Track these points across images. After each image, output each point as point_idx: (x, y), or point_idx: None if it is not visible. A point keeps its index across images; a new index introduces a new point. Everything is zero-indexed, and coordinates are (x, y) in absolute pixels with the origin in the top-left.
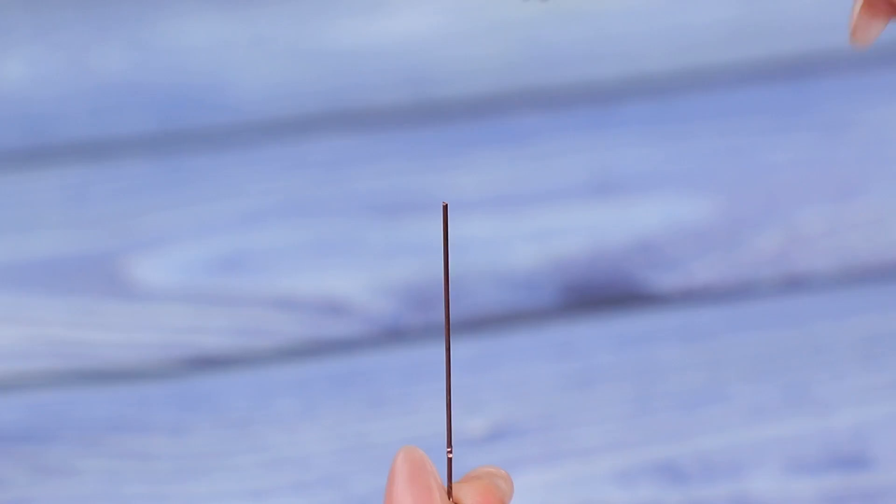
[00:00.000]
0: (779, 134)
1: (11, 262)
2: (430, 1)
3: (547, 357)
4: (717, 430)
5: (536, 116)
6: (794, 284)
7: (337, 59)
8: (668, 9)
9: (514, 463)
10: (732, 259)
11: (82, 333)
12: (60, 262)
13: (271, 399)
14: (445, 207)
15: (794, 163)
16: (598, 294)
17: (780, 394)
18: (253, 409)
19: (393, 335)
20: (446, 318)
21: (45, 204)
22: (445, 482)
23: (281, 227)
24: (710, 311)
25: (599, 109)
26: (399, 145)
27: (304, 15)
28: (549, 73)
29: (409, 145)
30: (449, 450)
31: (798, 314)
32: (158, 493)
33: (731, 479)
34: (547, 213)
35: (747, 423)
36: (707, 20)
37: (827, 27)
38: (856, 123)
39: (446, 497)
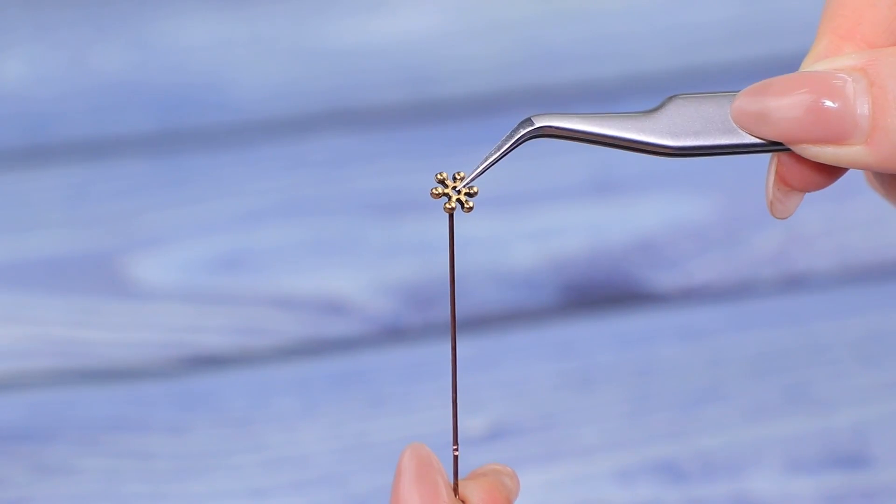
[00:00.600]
0: None
1: (11, 261)
2: (430, 0)
3: (546, 356)
4: (716, 430)
5: None
6: (794, 284)
7: (336, 59)
8: (667, 8)
9: (513, 462)
10: (732, 258)
11: (82, 333)
12: (60, 261)
13: (271, 398)
14: (451, 215)
15: None
16: (598, 293)
17: (780, 393)
18: (252, 408)
19: (392, 334)
20: (452, 321)
21: (44, 203)
22: (451, 480)
23: (280, 226)
24: (709, 311)
25: (599, 108)
26: (399, 144)
27: (304, 14)
28: (548, 72)
29: (409, 144)
30: (455, 447)
31: (797, 313)
32: (158, 492)
33: (731, 478)
34: (547, 213)
35: (747, 422)
36: (707, 19)
37: None
38: None
39: (453, 494)
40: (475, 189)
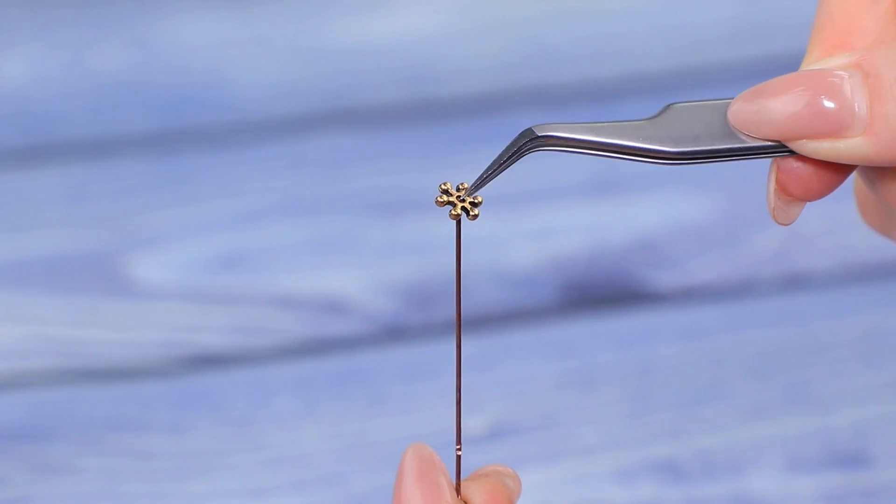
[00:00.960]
0: None
1: (11, 260)
2: (430, 0)
3: (547, 356)
4: (716, 429)
5: (537, 115)
6: (794, 283)
7: (337, 58)
8: (668, 7)
9: (514, 461)
10: (732, 258)
11: (82, 332)
12: (60, 260)
13: (271, 398)
14: (458, 221)
15: None
16: (598, 293)
17: (780, 392)
18: (253, 407)
19: (393, 334)
20: (458, 321)
21: (45, 202)
22: (454, 479)
23: (281, 225)
24: (709, 310)
25: (600, 108)
26: (399, 144)
27: (304, 14)
28: (549, 71)
29: (409, 144)
30: (458, 447)
31: (798, 313)
32: (158, 491)
33: (731, 477)
34: (547, 212)
35: (747, 421)
36: (707, 19)
37: None
38: None
39: (455, 494)
40: (479, 199)
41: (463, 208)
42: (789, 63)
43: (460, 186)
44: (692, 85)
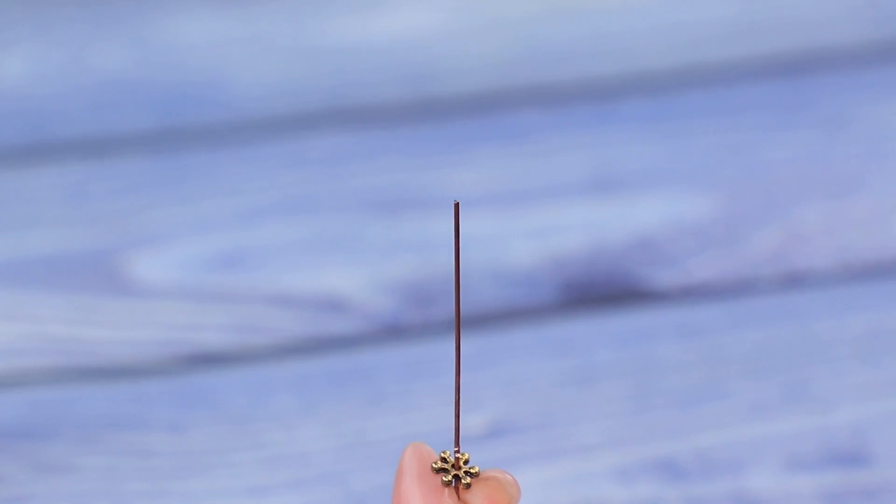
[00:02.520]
0: (778, 131)
1: (11, 259)
2: None
3: (546, 354)
4: (716, 427)
5: (536, 113)
6: (793, 281)
7: (336, 57)
8: (667, 6)
9: (513, 460)
10: (732, 256)
11: (81, 330)
12: (60, 259)
13: (270, 396)
14: (457, 206)
15: (793, 160)
16: (598, 291)
17: (780, 391)
18: (252, 406)
19: (392, 332)
20: (457, 318)
21: (44, 201)
22: None
23: (280, 224)
24: (709, 309)
25: (599, 106)
26: (399, 142)
27: (304, 12)
28: (549, 69)
29: (409, 142)
30: (457, 449)
31: (797, 311)
32: (158, 489)
33: (731, 476)
34: (547, 210)
35: (746, 420)
36: (707, 17)
37: (826, 24)
38: (855, 120)
39: (455, 494)
40: (476, 469)
41: (455, 476)
42: (789, 61)
43: (459, 457)
44: (692, 83)
